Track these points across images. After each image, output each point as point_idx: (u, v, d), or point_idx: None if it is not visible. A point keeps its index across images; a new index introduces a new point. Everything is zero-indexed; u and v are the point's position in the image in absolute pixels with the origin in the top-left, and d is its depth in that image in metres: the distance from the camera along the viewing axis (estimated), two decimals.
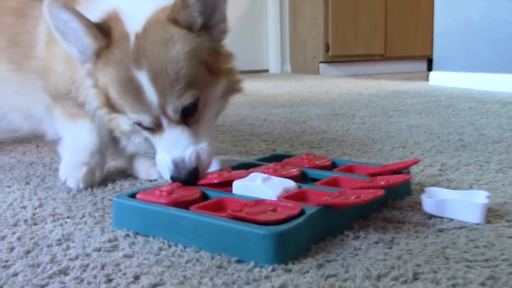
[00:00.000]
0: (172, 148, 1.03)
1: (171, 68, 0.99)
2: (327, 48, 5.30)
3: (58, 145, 1.34)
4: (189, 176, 1.01)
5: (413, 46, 5.72)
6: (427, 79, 4.19)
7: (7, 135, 1.93)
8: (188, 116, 1.03)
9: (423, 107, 2.53)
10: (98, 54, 1.04)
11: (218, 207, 0.89)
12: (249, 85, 4.12)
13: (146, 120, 1.03)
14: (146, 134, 1.10)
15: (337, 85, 3.97)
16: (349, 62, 5.47)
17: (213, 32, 1.06)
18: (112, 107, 1.09)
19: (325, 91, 3.56)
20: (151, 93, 1.00)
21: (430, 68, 5.36)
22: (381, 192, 0.82)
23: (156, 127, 1.05)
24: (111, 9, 1.07)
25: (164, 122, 1.03)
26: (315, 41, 5.43)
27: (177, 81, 0.99)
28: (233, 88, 1.14)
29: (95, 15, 1.07)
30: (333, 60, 5.38)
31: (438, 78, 3.83)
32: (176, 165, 1.02)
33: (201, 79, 1.03)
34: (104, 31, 1.04)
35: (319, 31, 5.34)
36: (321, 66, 5.40)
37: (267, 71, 5.97)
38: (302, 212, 0.81)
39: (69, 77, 1.21)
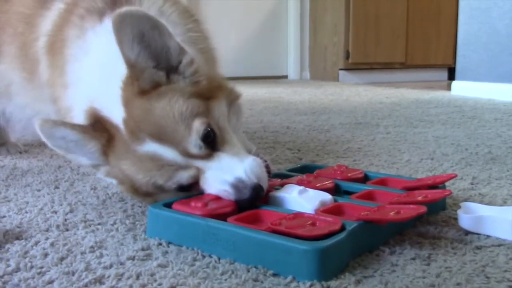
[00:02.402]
0: (223, 175, 0.96)
1: (165, 120, 0.95)
2: (347, 55, 5.28)
3: None
4: (253, 193, 0.93)
5: (434, 55, 5.68)
6: (448, 88, 4.15)
7: (35, 138, 1.94)
8: (213, 144, 0.98)
9: (448, 118, 2.50)
10: (105, 152, 1.02)
11: (254, 219, 0.88)
12: (269, 91, 4.12)
13: (184, 176, 0.97)
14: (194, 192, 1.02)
15: (357, 93, 3.95)
16: (369, 69, 5.44)
17: (180, 70, 1.01)
18: (146, 194, 1.04)
19: (346, 98, 3.54)
20: (167, 151, 0.95)
21: (450, 77, 5.32)
22: (423, 209, 0.81)
23: (196, 175, 0.98)
24: (89, 108, 1.05)
25: (199, 164, 0.97)
26: (335, 48, 5.41)
27: (177, 124, 0.95)
28: (232, 98, 1.11)
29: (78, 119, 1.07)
30: (353, 67, 5.35)
31: (461, 88, 3.79)
32: (236, 187, 0.94)
33: (199, 108, 0.98)
34: (100, 127, 1.01)
35: (340, 38, 5.32)
36: (341, 73, 5.38)
37: (286, 77, 5.96)
38: (342, 227, 0.80)
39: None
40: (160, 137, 0.95)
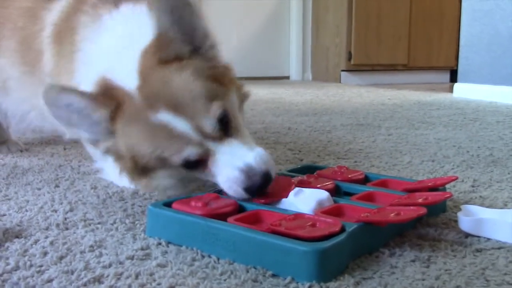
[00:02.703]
0: (234, 160, 0.97)
1: (185, 93, 0.97)
2: (349, 57, 5.27)
3: (100, 172, 1.37)
4: (263, 180, 0.95)
5: (436, 57, 5.67)
6: (450, 90, 4.14)
7: (30, 135, 1.95)
8: (227, 129, 0.99)
9: (450, 120, 2.50)
10: (113, 119, 1.00)
11: (255, 220, 0.88)
12: (271, 92, 4.11)
13: (193, 151, 0.97)
14: (196, 174, 1.03)
15: (359, 94, 3.95)
16: (371, 71, 5.44)
17: (202, 51, 1.04)
18: (143, 170, 1.04)
19: (348, 100, 3.54)
20: (181, 123, 0.96)
21: (453, 80, 5.31)
22: (423, 210, 0.81)
23: (204, 155, 0.99)
24: (98, 79, 1.04)
25: (210, 145, 0.98)
26: (337, 49, 5.41)
27: (196, 100, 0.96)
28: (243, 95, 1.14)
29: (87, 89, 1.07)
30: (355, 68, 5.35)
31: (463, 90, 3.78)
32: (246, 173, 0.95)
33: (216, 92, 1.00)
34: (109, 96, 1.01)
35: (342, 39, 5.32)
36: (343, 74, 5.37)
37: (288, 78, 5.96)
38: (342, 229, 0.79)
39: None
40: (177, 109, 0.95)
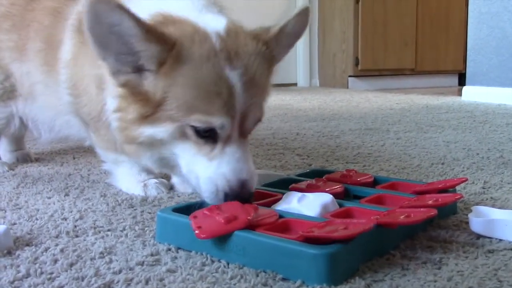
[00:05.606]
0: (237, 165, 0.94)
1: (262, 79, 0.96)
2: (356, 62, 5.27)
3: (109, 177, 1.39)
4: (245, 198, 0.93)
5: (443, 61, 5.65)
6: (459, 94, 4.12)
7: (57, 145, 1.95)
8: (249, 132, 1.00)
9: (459, 123, 2.48)
10: (164, 57, 0.91)
11: (284, 228, 0.85)
12: (279, 99, 4.11)
13: (227, 124, 0.92)
14: (192, 147, 0.96)
15: (367, 99, 3.94)
16: (379, 76, 5.43)
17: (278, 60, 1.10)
18: (148, 116, 0.95)
19: (356, 105, 3.53)
20: (241, 96, 0.91)
21: (461, 83, 5.29)
22: (434, 212, 0.80)
23: (226, 138, 0.95)
24: (156, 13, 0.98)
25: (235, 133, 0.94)
26: (344, 55, 5.41)
27: (262, 93, 0.97)
28: None
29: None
30: (363, 74, 5.34)
31: (471, 93, 3.77)
32: (240, 184, 0.93)
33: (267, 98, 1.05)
34: (164, 33, 0.92)
35: (349, 45, 5.32)
36: (350, 80, 5.37)
37: (295, 84, 5.96)
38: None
39: (100, 100, 1.17)
40: (247, 83, 0.91)
